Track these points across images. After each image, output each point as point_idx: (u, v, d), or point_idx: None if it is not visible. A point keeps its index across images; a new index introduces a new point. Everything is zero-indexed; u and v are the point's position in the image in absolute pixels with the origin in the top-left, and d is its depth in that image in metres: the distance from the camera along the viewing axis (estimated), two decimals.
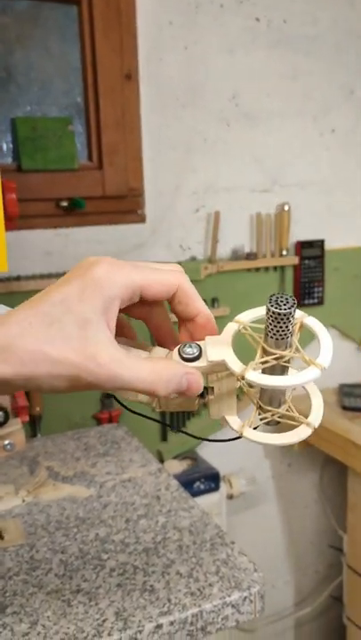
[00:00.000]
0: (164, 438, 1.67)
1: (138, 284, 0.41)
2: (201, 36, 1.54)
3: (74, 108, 1.47)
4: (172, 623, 0.75)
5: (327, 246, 1.79)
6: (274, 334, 0.40)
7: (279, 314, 0.39)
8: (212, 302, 1.63)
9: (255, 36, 1.60)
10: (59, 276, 1.43)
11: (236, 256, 1.67)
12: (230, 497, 1.73)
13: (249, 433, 0.44)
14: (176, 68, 1.52)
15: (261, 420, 0.46)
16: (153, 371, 0.40)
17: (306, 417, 0.44)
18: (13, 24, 1.37)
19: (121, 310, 0.42)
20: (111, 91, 1.44)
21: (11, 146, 1.41)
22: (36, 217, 1.43)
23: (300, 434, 0.43)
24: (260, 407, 0.46)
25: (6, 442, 0.91)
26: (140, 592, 0.80)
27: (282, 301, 0.39)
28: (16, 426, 0.93)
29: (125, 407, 0.49)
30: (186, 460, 1.69)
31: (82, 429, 1.41)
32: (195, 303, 0.46)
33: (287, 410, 0.45)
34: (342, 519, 1.80)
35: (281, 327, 0.40)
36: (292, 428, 0.44)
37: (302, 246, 1.73)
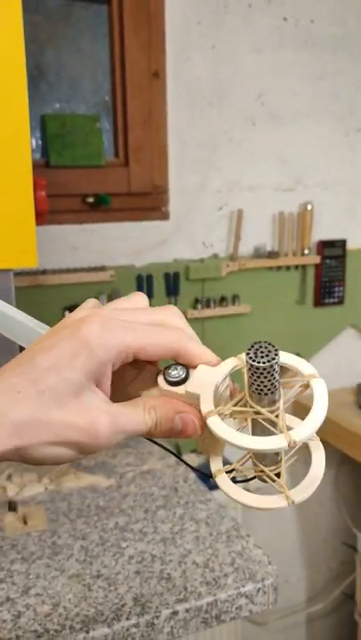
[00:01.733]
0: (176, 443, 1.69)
1: (132, 347, 0.37)
2: (229, 36, 1.55)
3: (102, 105, 1.50)
4: (187, 610, 0.78)
5: (349, 246, 1.79)
6: (252, 387, 0.36)
7: (257, 368, 0.35)
8: (233, 300, 1.65)
9: (283, 35, 1.61)
10: (83, 270, 1.47)
11: (257, 254, 1.69)
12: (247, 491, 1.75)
13: (220, 481, 0.40)
14: (203, 67, 1.54)
15: (243, 472, 0.41)
16: (147, 414, 0.38)
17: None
18: (45, 23, 1.40)
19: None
20: (139, 89, 1.47)
21: (40, 142, 1.44)
22: (62, 212, 1.47)
23: (274, 503, 0.38)
24: (251, 458, 0.41)
25: None
26: (158, 579, 0.83)
27: (262, 353, 0.34)
28: None
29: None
30: (202, 454, 1.72)
31: None
32: (199, 359, 0.40)
33: (275, 471, 0.41)
34: (357, 517, 1.82)
35: (262, 381, 0.35)
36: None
37: (324, 246, 1.75)
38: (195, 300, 1.61)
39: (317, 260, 1.74)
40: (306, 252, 1.71)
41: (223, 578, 0.83)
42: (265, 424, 0.37)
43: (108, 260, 1.53)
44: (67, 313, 1.46)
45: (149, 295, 1.56)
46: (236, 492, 0.39)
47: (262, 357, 0.34)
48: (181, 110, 1.54)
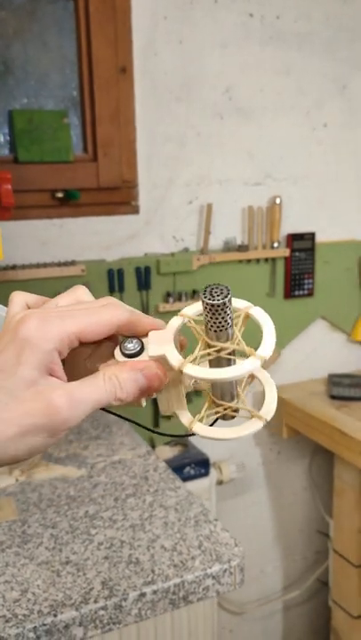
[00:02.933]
0: (156, 424, 1.71)
1: (73, 332, 0.39)
2: (195, 31, 1.57)
3: (70, 100, 1.50)
4: (155, 592, 0.79)
5: (318, 239, 1.83)
6: (212, 326, 0.39)
7: (212, 305, 0.38)
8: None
9: (249, 31, 1.63)
10: (53, 265, 1.48)
11: (227, 248, 1.71)
12: (220, 483, 1.78)
13: (198, 428, 0.42)
14: (171, 62, 1.56)
15: (213, 414, 0.44)
16: (108, 382, 0.39)
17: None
18: (11, 18, 1.40)
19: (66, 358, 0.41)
20: (106, 84, 1.48)
21: (8, 138, 1.44)
22: (31, 207, 1.47)
23: (250, 427, 0.41)
24: (213, 402, 0.45)
25: None
26: (126, 564, 0.84)
27: (216, 292, 0.38)
28: None
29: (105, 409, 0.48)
30: (177, 446, 1.73)
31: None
32: (143, 326, 0.43)
33: (239, 403, 0.44)
34: (330, 505, 1.85)
35: (217, 318, 0.39)
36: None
37: (293, 239, 1.77)
38: (166, 294, 1.63)
39: (287, 252, 1.76)
40: (275, 245, 1.74)
41: (190, 560, 0.85)
42: (230, 357, 0.40)
43: (78, 255, 1.54)
44: None
45: (121, 289, 1.57)
46: (215, 431, 0.41)
47: (218, 295, 0.38)
48: (149, 105, 1.55)
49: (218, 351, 0.40)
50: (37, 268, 1.47)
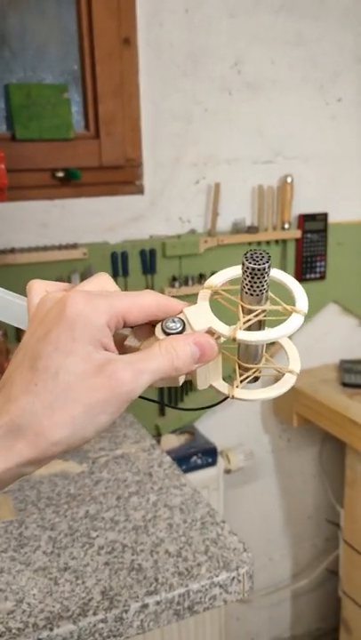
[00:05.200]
0: (161, 413, 1.66)
1: (120, 310, 0.39)
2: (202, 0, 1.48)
3: (70, 75, 1.42)
4: (158, 603, 0.75)
5: (331, 220, 1.75)
6: (253, 291, 0.41)
7: (258, 269, 0.39)
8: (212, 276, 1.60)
9: None
10: (54, 248, 1.41)
11: (236, 229, 1.64)
12: (228, 472, 1.73)
13: (239, 393, 0.44)
14: (177, 33, 1.47)
15: (245, 378, 0.46)
16: (165, 352, 0.40)
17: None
18: None
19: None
20: (108, 57, 1.39)
21: (4, 114, 1.37)
22: (30, 188, 1.40)
23: (287, 383, 0.43)
24: (240, 367, 0.46)
25: None
26: (128, 571, 0.80)
27: (257, 257, 0.40)
28: None
29: None
30: (184, 434, 1.69)
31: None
32: (177, 308, 0.43)
33: (267, 363, 0.46)
34: (340, 495, 1.80)
35: (259, 283, 0.40)
36: (275, 381, 0.44)
37: (305, 219, 1.70)
38: (172, 278, 1.57)
39: (298, 234, 1.69)
40: (286, 226, 1.67)
41: (196, 567, 0.80)
42: (274, 318, 0.42)
43: (80, 238, 1.47)
44: None
45: (125, 273, 1.51)
46: (257, 393, 0.43)
47: (260, 260, 0.39)
48: (154, 80, 1.47)
49: (260, 313, 0.42)
50: (37, 251, 1.41)
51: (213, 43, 1.51)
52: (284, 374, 0.44)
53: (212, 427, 1.74)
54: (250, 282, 0.40)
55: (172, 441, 1.64)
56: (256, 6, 1.54)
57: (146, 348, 0.42)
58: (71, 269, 1.45)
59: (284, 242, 1.70)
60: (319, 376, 1.77)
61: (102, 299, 0.39)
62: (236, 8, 1.52)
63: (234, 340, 0.42)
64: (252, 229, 1.63)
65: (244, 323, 0.42)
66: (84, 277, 1.45)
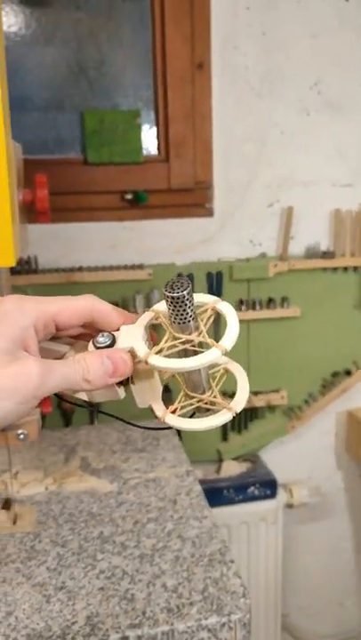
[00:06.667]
0: (224, 438, 1.63)
1: (48, 312, 0.42)
2: (281, 21, 1.45)
3: (143, 100, 1.46)
4: (139, 638, 0.73)
5: None
6: (175, 318, 0.41)
7: (173, 297, 0.40)
8: (282, 302, 1.56)
9: (343, 17, 1.48)
10: (120, 268, 1.45)
11: (310, 254, 1.57)
12: (290, 506, 1.66)
13: (170, 419, 0.44)
14: (252, 56, 1.46)
15: (185, 406, 0.46)
16: (76, 362, 0.42)
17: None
18: (87, 19, 1.39)
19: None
20: (181, 81, 1.41)
21: (79, 139, 1.44)
22: (101, 209, 1.45)
23: (220, 418, 0.43)
24: (186, 394, 0.46)
25: (20, 431, 0.94)
26: (119, 599, 0.79)
27: (177, 285, 0.40)
28: (32, 416, 0.95)
29: (58, 396, 0.50)
30: (246, 462, 1.64)
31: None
32: (113, 318, 0.45)
33: (211, 396, 0.46)
34: None
35: (179, 311, 0.41)
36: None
37: None
38: (239, 302, 1.54)
39: None
40: None
41: (188, 606, 0.77)
42: (195, 349, 0.42)
43: (147, 259, 1.50)
44: None
45: None
46: (188, 422, 0.44)
47: (178, 288, 0.40)
48: (228, 102, 1.47)
49: (183, 343, 0.42)
50: (104, 270, 1.45)
51: (292, 64, 1.48)
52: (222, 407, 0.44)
53: (278, 458, 1.68)
54: (171, 310, 0.41)
55: (233, 468, 1.60)
56: (340, 25, 1.48)
57: (77, 354, 0.44)
58: (135, 289, 1.47)
59: None
60: None
61: (32, 302, 0.42)
62: (319, 28, 1.48)
63: (146, 362, 0.42)
64: (327, 255, 1.56)
65: (167, 349, 0.43)
66: (147, 298, 1.47)
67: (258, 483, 1.54)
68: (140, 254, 1.50)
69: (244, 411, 1.78)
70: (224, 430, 1.63)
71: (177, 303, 0.41)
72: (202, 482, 1.25)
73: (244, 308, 1.53)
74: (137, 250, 1.50)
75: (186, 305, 0.41)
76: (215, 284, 1.52)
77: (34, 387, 0.39)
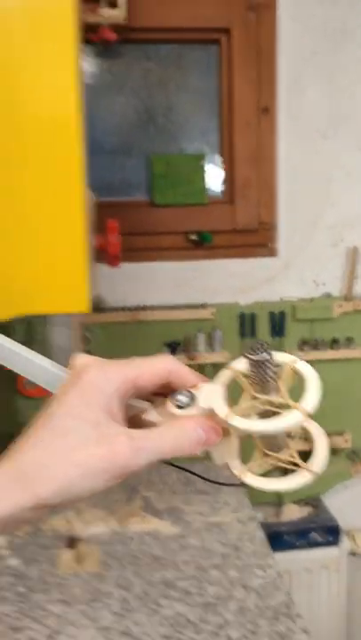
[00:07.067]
0: None
1: (130, 376, 0.42)
2: (349, 64, 1.46)
3: (208, 144, 1.49)
4: None
5: None
6: (255, 380, 0.42)
7: (255, 360, 0.41)
8: (347, 343, 1.53)
9: None
10: (183, 307, 1.47)
11: None
12: (354, 554, 1.60)
13: (248, 478, 0.44)
14: (319, 98, 1.47)
15: (265, 464, 0.46)
16: (169, 435, 0.41)
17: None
18: (156, 67, 1.44)
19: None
20: (246, 125, 1.44)
21: (145, 182, 1.48)
22: (166, 249, 1.48)
23: (300, 480, 0.43)
24: (262, 452, 0.46)
25: None
26: None
27: (257, 348, 0.41)
28: None
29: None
30: (307, 506, 1.60)
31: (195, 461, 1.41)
32: (189, 380, 0.45)
33: (290, 455, 0.45)
34: None
35: (260, 373, 0.41)
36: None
37: None
38: (302, 342, 1.53)
39: None
40: None
41: None
42: (276, 410, 0.42)
43: (211, 298, 1.51)
44: (165, 349, 1.47)
45: (252, 334, 1.51)
46: (267, 482, 0.44)
47: (258, 351, 0.40)
48: (293, 144, 1.48)
49: (263, 404, 0.43)
50: (167, 309, 1.47)
51: (357, 104, 1.48)
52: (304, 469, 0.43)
53: (341, 502, 1.63)
54: (252, 371, 0.42)
55: (294, 512, 1.57)
56: None
57: (161, 423, 0.44)
58: (198, 328, 1.48)
59: None
60: None
61: (114, 367, 0.42)
62: None
63: (227, 424, 0.42)
64: None
65: (247, 410, 0.43)
66: (209, 337, 1.48)
67: (320, 528, 1.50)
68: (204, 293, 1.52)
69: (306, 453, 1.75)
70: (285, 473, 1.60)
71: (258, 365, 0.41)
72: (262, 525, 1.23)
73: (307, 348, 1.52)
74: (200, 289, 1.52)
75: (268, 367, 0.41)
76: (278, 324, 1.52)
77: (122, 468, 0.39)
